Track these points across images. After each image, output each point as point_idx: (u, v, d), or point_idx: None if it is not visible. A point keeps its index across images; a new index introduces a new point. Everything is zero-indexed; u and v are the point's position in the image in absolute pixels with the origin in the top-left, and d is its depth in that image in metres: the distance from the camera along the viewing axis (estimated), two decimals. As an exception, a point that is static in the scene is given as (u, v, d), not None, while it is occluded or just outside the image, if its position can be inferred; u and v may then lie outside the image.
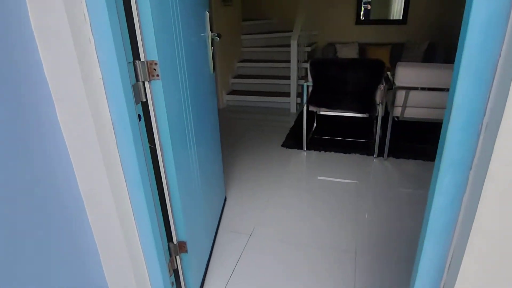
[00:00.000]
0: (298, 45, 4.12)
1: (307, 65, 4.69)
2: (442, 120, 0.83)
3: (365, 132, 3.44)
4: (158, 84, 1.09)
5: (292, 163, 2.91)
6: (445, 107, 0.80)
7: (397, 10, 5.06)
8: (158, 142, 1.18)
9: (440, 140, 0.84)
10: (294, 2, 5.35)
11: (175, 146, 1.22)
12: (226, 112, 4.44)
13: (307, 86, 2.91)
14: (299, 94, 4.46)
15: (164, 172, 1.23)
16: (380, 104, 2.77)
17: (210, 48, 1.80)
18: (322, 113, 3.03)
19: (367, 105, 2.74)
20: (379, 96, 2.78)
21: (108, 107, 0.99)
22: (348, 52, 4.92)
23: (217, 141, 2.07)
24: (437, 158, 0.85)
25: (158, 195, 1.22)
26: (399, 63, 2.62)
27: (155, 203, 1.17)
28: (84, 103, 0.94)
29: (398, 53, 4.91)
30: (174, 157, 1.20)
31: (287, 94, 4.44)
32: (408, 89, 2.62)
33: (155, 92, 1.10)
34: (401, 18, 5.06)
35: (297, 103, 4.38)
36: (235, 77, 4.82)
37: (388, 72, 2.87)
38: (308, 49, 4.82)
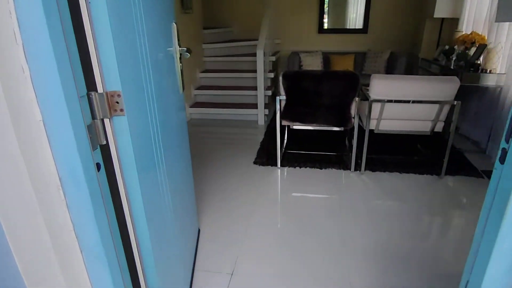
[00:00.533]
0: (264, 54, 3.97)
1: (272, 75, 4.60)
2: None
3: (339, 145, 3.35)
4: (122, 120, 0.84)
5: (267, 182, 2.71)
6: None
7: (357, 19, 5.12)
8: (124, 195, 0.91)
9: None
10: (255, 10, 5.22)
11: (146, 196, 0.96)
12: (190, 127, 4.15)
13: (280, 100, 2.74)
14: (266, 105, 4.30)
15: (134, 231, 0.96)
16: (355, 117, 2.68)
17: (178, 65, 1.55)
18: (295, 127, 2.88)
19: (343, 118, 2.64)
20: (354, 109, 2.68)
21: (53, 158, 0.72)
22: (312, 61, 4.87)
23: (189, 169, 1.82)
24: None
25: (126, 262, 0.94)
26: (373, 75, 2.55)
27: (123, 277, 0.90)
28: (16, 156, 0.66)
29: (361, 62, 4.96)
30: (145, 211, 0.94)
31: (254, 106, 4.26)
32: (383, 101, 2.55)
33: (118, 131, 0.84)
34: (362, 27, 5.12)
35: (265, 115, 4.21)
36: (198, 89, 4.55)
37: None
38: (273, 58, 4.69)
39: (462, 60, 3.28)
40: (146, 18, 1.06)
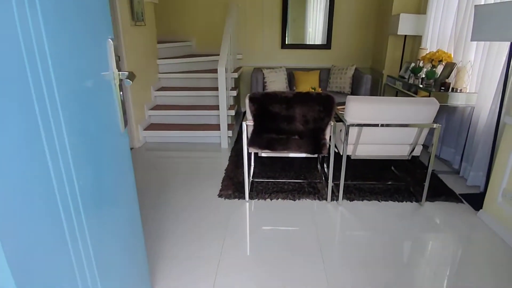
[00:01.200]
0: (226, 70, 3.65)
1: (235, 93, 4.28)
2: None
3: (312, 170, 3.08)
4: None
5: (235, 220, 2.34)
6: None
7: (320, 35, 4.99)
8: None
9: None
10: (215, 23, 4.92)
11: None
12: (143, 152, 3.68)
13: (246, 126, 2.41)
14: (230, 126, 3.95)
15: None
16: (330, 143, 2.42)
17: (118, 94, 1.16)
18: (263, 154, 2.56)
19: (317, 144, 2.36)
20: (328, 134, 2.42)
21: None
22: (277, 78, 4.64)
23: (137, 225, 1.40)
24: None
25: None
26: (349, 97, 2.31)
27: None
28: None
29: (326, 78, 4.81)
30: None
31: (216, 127, 3.90)
32: (361, 126, 2.31)
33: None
34: (325, 43, 5.00)
35: (228, 137, 3.86)
36: (152, 109, 4.09)
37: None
38: (235, 75, 4.38)
39: (431, 78, 3.19)
40: (50, 32, 0.68)
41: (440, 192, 2.70)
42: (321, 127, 2.35)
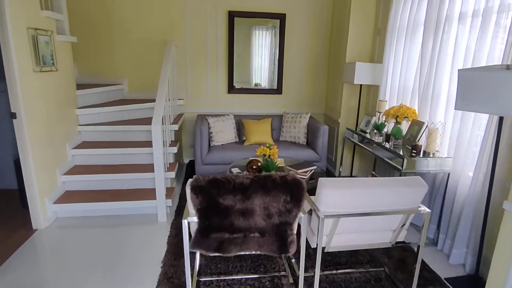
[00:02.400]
0: (163, 122, 2.98)
1: (175, 149, 3.58)
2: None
3: (273, 261, 2.48)
4: None
5: None
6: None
7: (269, 78, 4.59)
8: None
9: None
10: (149, 61, 4.26)
11: None
12: (52, 233, 2.78)
13: (188, 224, 1.76)
14: (169, 191, 3.24)
15: None
16: (301, 237, 1.86)
17: None
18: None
19: (284, 243, 1.78)
20: (296, 228, 1.87)
21: None
22: (224, 127, 4.07)
23: None
24: None
25: None
26: (321, 181, 1.80)
27: None
28: None
29: (279, 127, 4.36)
30: None
31: (151, 194, 3.15)
32: (339, 216, 1.80)
33: None
34: (275, 87, 4.60)
35: (167, 206, 3.14)
36: (68, 173, 3.22)
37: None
38: (175, 127, 3.72)
39: (399, 138, 2.86)
40: None
41: (426, 280, 2.26)
42: (288, 221, 1.78)
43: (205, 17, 4.22)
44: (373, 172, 3.77)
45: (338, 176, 3.99)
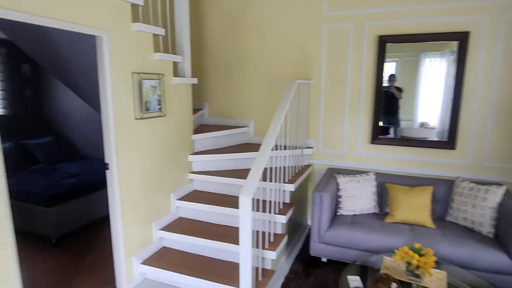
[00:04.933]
0: (272, 179, 2.21)
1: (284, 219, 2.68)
2: None
3: None
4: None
5: None
6: None
7: (436, 125, 3.18)
8: None
9: None
10: (278, 101, 3.64)
11: None
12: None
13: None
14: (263, 282, 2.41)
15: None
16: None
17: None
18: None
19: None
20: None
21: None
22: (359, 190, 2.96)
23: None
24: None
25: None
26: None
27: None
28: None
29: (445, 198, 2.89)
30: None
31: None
32: None
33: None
34: (446, 139, 3.14)
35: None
36: (165, 229, 2.87)
37: None
38: (290, 187, 2.90)
39: None
40: None
41: None
42: None
43: (347, 47, 3.31)
44: None
45: None
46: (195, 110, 3.79)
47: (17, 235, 3.36)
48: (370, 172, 3.17)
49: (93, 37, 2.18)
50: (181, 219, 3.06)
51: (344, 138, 3.47)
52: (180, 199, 3.05)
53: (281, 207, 2.85)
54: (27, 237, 3.37)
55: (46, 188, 3.33)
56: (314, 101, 3.52)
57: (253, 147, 3.58)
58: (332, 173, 3.24)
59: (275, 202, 2.70)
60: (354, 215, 2.98)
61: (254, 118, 3.86)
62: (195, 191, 3.29)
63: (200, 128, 3.68)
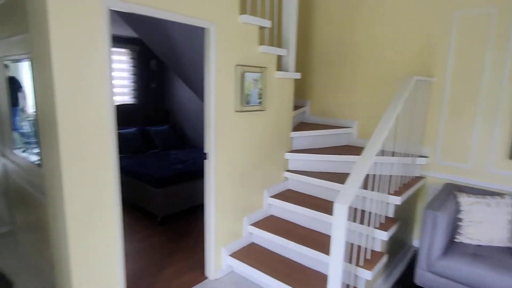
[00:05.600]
0: (374, 188, 1.94)
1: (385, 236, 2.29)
2: None
3: None
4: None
5: None
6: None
7: None
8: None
9: None
10: (389, 101, 3.24)
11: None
12: (213, 294, 2.44)
13: None
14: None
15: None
16: None
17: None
18: None
19: None
20: None
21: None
22: (489, 216, 2.37)
23: None
24: None
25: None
26: None
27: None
28: None
29: None
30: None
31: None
32: None
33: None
34: None
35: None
36: (255, 225, 2.84)
37: None
38: (397, 200, 2.52)
39: None
40: None
41: None
42: None
43: (484, 39, 2.69)
44: None
45: None
46: (296, 107, 3.66)
47: (131, 208, 3.87)
48: (506, 195, 2.52)
49: (202, 30, 2.26)
50: (272, 217, 2.99)
51: (471, 149, 2.85)
52: (273, 196, 2.98)
53: (383, 221, 2.50)
54: (139, 212, 3.81)
55: (158, 171, 3.68)
56: (434, 102, 2.99)
57: (355, 150, 3.26)
58: (451, 190, 2.69)
59: (375, 214, 2.37)
60: (479, 245, 2.41)
61: (358, 119, 3.52)
62: (289, 190, 3.17)
63: (300, 126, 3.54)
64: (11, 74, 2.67)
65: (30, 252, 2.80)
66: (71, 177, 1.68)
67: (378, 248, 2.45)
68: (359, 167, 1.88)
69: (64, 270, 1.85)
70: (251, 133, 2.70)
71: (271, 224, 2.85)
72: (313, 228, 2.77)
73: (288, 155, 3.15)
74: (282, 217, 2.98)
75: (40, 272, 2.53)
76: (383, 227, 2.42)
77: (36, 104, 1.92)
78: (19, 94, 2.76)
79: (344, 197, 1.73)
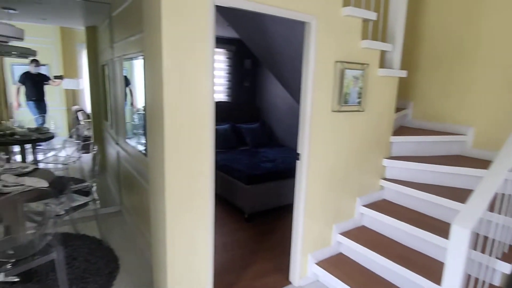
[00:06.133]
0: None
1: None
2: None
3: None
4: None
5: None
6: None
7: None
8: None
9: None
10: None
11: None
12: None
13: None
14: None
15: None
16: None
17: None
18: None
19: None
20: None
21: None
22: None
23: None
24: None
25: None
26: None
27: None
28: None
29: None
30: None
31: None
32: None
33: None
34: None
35: None
36: (345, 234, 2.63)
37: None
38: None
39: None
40: None
41: None
42: None
43: None
44: None
45: None
46: (397, 109, 3.30)
47: (219, 201, 4.01)
48: None
49: (302, 25, 2.16)
50: (364, 228, 2.74)
51: None
52: (366, 205, 2.72)
53: (506, 250, 2.05)
54: (228, 206, 3.92)
55: (248, 168, 3.74)
56: None
57: (470, 162, 2.77)
58: None
59: (499, 242, 1.95)
60: None
61: (475, 125, 2.98)
62: (385, 200, 2.87)
63: (401, 130, 3.18)
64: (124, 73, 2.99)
65: (133, 232, 3.10)
66: (172, 168, 1.77)
67: (496, 282, 2.02)
68: (487, 183, 1.54)
69: (161, 252, 1.96)
70: (347, 135, 2.51)
71: (363, 235, 2.61)
72: (412, 247, 2.43)
73: (386, 162, 2.85)
74: (375, 229, 2.70)
75: (140, 251, 2.77)
76: (506, 257, 1.99)
77: (145, 98, 2.08)
78: (128, 90, 3.08)
79: (466, 219, 1.43)
